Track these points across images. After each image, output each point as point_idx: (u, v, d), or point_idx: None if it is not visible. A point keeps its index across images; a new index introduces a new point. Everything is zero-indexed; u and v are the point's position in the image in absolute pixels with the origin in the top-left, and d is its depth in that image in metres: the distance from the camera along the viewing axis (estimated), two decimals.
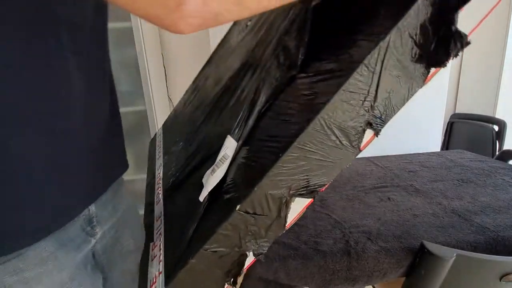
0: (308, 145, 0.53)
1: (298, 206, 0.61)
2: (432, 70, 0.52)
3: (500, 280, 0.69)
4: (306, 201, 0.61)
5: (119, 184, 0.64)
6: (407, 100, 0.55)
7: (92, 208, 0.57)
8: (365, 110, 0.54)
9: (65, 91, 0.45)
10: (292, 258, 0.73)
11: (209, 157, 0.68)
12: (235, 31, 1.02)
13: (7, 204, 0.42)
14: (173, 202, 0.74)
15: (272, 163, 0.53)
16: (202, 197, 0.61)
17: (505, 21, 1.52)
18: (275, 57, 0.68)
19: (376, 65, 0.50)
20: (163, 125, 1.13)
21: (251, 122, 0.62)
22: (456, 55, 0.48)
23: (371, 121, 0.55)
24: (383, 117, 0.56)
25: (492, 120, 1.63)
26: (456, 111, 1.94)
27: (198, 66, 1.82)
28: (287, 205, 0.60)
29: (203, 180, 0.63)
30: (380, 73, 0.51)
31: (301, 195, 0.59)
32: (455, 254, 0.67)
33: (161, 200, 0.78)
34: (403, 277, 0.77)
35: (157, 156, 0.98)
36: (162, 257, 0.61)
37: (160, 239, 0.67)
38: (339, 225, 0.84)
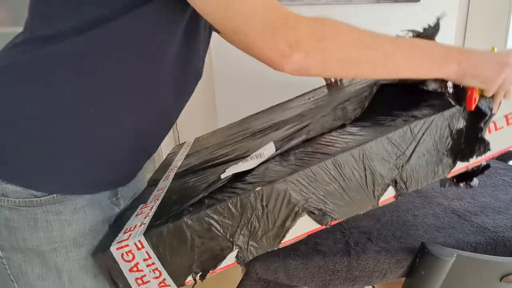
0: (341, 167, 0.59)
1: (300, 229, 0.62)
2: (457, 167, 0.62)
3: (500, 281, 0.69)
4: (309, 228, 0.63)
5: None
6: (427, 183, 0.62)
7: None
8: (396, 167, 0.60)
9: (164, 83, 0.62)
10: (292, 258, 0.73)
11: (236, 160, 0.73)
12: (297, 100, 1.18)
13: (84, 159, 0.56)
14: (184, 182, 0.77)
15: (305, 165, 0.58)
16: (224, 175, 0.63)
17: (505, 21, 1.52)
18: (333, 112, 0.77)
19: (418, 132, 0.59)
20: (196, 138, 1.24)
21: (294, 142, 0.69)
22: (478, 156, 0.60)
23: (397, 180, 0.61)
24: (407, 183, 0.62)
25: None
26: None
27: None
28: (295, 217, 0.61)
29: (229, 168, 0.65)
30: (419, 141, 0.59)
31: (312, 214, 0.62)
32: (455, 255, 0.67)
33: (171, 178, 0.82)
34: (403, 278, 0.77)
35: (180, 153, 1.07)
36: (150, 215, 0.63)
37: (154, 203, 0.69)
38: (339, 226, 0.83)
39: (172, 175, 0.84)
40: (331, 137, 0.66)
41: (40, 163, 0.54)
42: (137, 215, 0.66)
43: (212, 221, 0.58)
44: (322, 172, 0.58)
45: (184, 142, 1.20)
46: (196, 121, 1.80)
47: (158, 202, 0.68)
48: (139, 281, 0.59)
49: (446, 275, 0.69)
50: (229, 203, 0.57)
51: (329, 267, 0.73)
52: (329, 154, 0.58)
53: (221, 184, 0.61)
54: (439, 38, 1.65)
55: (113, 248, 0.57)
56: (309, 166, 0.57)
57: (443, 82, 0.63)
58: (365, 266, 0.73)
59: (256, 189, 0.57)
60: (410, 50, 0.54)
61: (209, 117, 1.80)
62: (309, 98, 1.06)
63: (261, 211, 0.58)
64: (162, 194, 0.72)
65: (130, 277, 0.59)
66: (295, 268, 0.73)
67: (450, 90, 0.63)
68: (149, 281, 0.59)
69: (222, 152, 0.83)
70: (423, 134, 0.59)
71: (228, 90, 1.63)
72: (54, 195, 0.55)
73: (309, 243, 0.77)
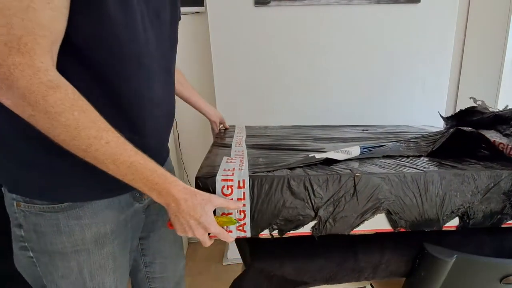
0: (428, 183, 0.70)
1: (373, 224, 0.70)
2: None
3: (500, 282, 0.69)
4: (380, 227, 0.71)
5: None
6: (485, 225, 0.73)
7: None
8: (468, 202, 0.71)
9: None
10: (299, 251, 0.74)
11: (314, 151, 0.86)
12: (349, 127, 1.38)
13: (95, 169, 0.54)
14: (263, 152, 0.87)
15: (399, 171, 0.70)
16: (319, 155, 0.76)
17: (505, 21, 1.52)
18: (407, 143, 0.93)
19: (494, 179, 0.71)
20: (247, 126, 1.38)
21: (375, 151, 0.84)
22: None
23: (465, 214, 0.72)
24: (471, 220, 0.72)
25: None
26: (456, 112, 1.93)
27: (198, 67, 1.82)
28: (375, 211, 0.69)
29: (326, 153, 0.78)
30: (492, 187, 0.72)
31: (389, 214, 0.69)
32: (455, 256, 0.67)
33: (244, 146, 0.92)
34: (403, 278, 0.77)
35: (236, 131, 1.20)
36: (244, 165, 0.72)
37: (241, 157, 0.79)
38: None
39: (243, 144, 0.96)
40: (416, 160, 0.79)
41: (56, 176, 0.58)
42: (227, 162, 0.75)
43: (309, 186, 0.67)
44: (412, 181, 0.69)
45: (234, 126, 1.35)
46: (196, 121, 1.80)
47: (245, 158, 0.77)
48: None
49: (446, 276, 0.70)
50: (329, 177, 0.67)
51: (336, 258, 0.74)
52: (421, 170, 0.71)
53: (314, 163, 0.74)
54: (439, 38, 1.64)
55: (218, 178, 0.64)
56: (403, 172, 0.69)
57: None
58: (371, 257, 0.74)
59: (356, 174, 0.67)
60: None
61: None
62: (362, 130, 1.26)
63: (351, 195, 0.68)
64: (245, 154, 0.82)
65: (219, 210, 0.66)
66: (302, 260, 0.73)
67: None
68: None
69: (292, 142, 1.01)
70: (498, 182, 0.72)
71: (228, 91, 1.64)
72: (70, 202, 0.59)
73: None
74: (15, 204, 0.58)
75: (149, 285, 0.86)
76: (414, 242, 0.74)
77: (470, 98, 1.01)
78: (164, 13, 0.65)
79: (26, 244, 0.60)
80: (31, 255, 0.61)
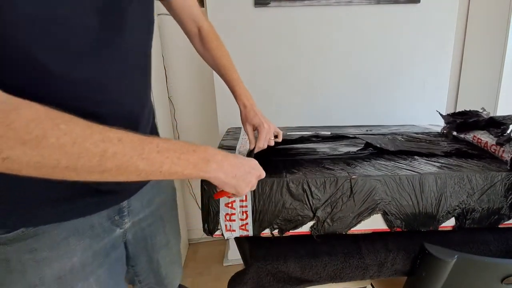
0: (423, 184, 0.71)
1: (369, 224, 0.72)
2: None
3: (501, 283, 0.68)
4: (376, 227, 0.72)
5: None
6: (481, 225, 0.75)
7: (125, 201, 0.59)
8: (464, 203, 0.73)
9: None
10: (303, 248, 0.74)
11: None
12: (354, 128, 1.41)
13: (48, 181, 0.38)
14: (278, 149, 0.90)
15: (395, 173, 0.71)
16: (323, 133, 0.88)
17: (505, 21, 1.52)
18: (414, 141, 1.02)
19: (490, 180, 0.73)
20: None
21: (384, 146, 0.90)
22: None
23: (461, 214, 0.73)
24: (467, 220, 0.74)
25: None
26: (456, 111, 1.93)
27: (198, 67, 1.82)
28: (371, 212, 0.71)
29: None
30: (489, 188, 0.73)
31: (385, 215, 0.71)
32: (456, 256, 0.67)
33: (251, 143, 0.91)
34: (404, 278, 0.77)
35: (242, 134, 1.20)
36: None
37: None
38: None
39: (246, 146, 0.92)
40: (413, 161, 0.81)
41: None
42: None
43: (307, 188, 0.69)
44: (408, 182, 0.71)
45: (240, 128, 1.34)
46: (196, 121, 1.80)
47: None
48: (227, 217, 0.70)
49: (447, 277, 0.69)
50: (327, 179, 0.70)
51: (341, 255, 0.74)
52: (417, 172, 0.72)
53: (320, 137, 0.85)
54: (439, 38, 1.64)
55: None
56: (398, 174, 0.71)
57: None
58: (376, 254, 0.74)
59: (352, 177, 0.70)
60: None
61: (209, 117, 1.80)
62: (367, 130, 1.28)
63: (348, 196, 0.70)
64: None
65: (222, 210, 0.69)
66: (307, 257, 0.73)
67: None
68: (234, 220, 0.70)
69: (299, 145, 1.01)
70: (494, 183, 0.73)
71: (229, 92, 1.63)
72: (23, 229, 0.45)
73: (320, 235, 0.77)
74: None
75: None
76: (420, 240, 0.74)
77: (481, 108, 1.04)
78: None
79: None
80: None
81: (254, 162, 0.57)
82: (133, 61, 0.51)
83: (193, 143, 0.46)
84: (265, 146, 0.76)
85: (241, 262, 0.82)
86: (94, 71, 0.44)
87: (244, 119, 0.79)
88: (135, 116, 0.53)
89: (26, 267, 0.46)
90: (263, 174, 0.59)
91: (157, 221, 0.69)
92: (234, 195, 0.57)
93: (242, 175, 0.53)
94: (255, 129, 0.77)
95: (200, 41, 0.79)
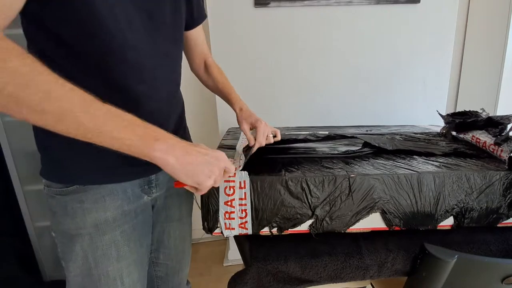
0: (421, 183, 0.72)
1: (368, 223, 0.72)
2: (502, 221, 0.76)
3: (501, 282, 0.68)
4: (375, 225, 0.73)
5: None
6: (480, 224, 0.75)
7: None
8: (462, 202, 0.74)
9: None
10: (304, 248, 0.74)
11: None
12: (353, 128, 1.43)
13: (95, 153, 0.54)
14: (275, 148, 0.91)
15: (393, 172, 0.72)
16: (321, 132, 0.89)
17: (505, 21, 1.52)
18: (416, 140, 1.04)
19: (489, 180, 0.73)
20: None
21: (383, 144, 0.91)
22: None
23: (459, 213, 0.73)
24: (466, 219, 0.74)
25: None
26: (456, 111, 1.93)
27: None
28: (370, 211, 0.71)
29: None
30: (487, 187, 0.74)
31: (384, 214, 0.71)
32: (456, 256, 0.67)
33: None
34: (404, 278, 0.77)
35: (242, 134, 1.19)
36: (242, 164, 0.74)
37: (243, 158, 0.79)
38: None
39: (245, 142, 0.94)
40: (412, 161, 0.82)
41: (61, 159, 0.61)
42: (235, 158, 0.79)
43: (306, 187, 0.70)
44: (406, 181, 0.72)
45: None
46: (196, 121, 1.80)
47: (245, 159, 0.76)
48: (227, 215, 0.71)
49: (447, 277, 0.69)
50: (325, 178, 0.70)
51: (341, 255, 0.74)
52: (415, 171, 0.73)
53: (319, 137, 0.88)
54: (439, 38, 1.64)
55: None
56: (397, 173, 0.72)
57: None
58: (376, 255, 0.74)
59: (351, 175, 0.70)
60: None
61: (209, 117, 1.80)
62: (367, 131, 1.28)
63: (347, 194, 0.70)
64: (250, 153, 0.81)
65: (222, 209, 0.70)
66: (307, 257, 0.73)
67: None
68: (233, 218, 0.71)
69: (300, 145, 1.02)
70: (492, 182, 0.73)
71: None
72: (76, 185, 0.61)
73: (320, 235, 0.77)
74: (44, 188, 0.64)
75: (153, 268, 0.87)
76: (421, 240, 0.74)
77: (480, 109, 1.05)
78: (159, 15, 0.62)
79: (50, 223, 0.66)
80: (53, 234, 0.66)
81: (220, 154, 0.55)
82: (172, 54, 0.67)
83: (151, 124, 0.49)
84: (264, 143, 0.77)
85: (241, 262, 0.82)
86: (147, 54, 0.59)
87: (240, 119, 0.84)
88: (168, 101, 0.68)
89: (76, 213, 0.62)
90: (231, 167, 0.58)
91: (174, 195, 0.79)
92: (195, 188, 0.54)
93: (201, 165, 0.51)
94: (252, 127, 0.81)
95: (205, 70, 0.93)
